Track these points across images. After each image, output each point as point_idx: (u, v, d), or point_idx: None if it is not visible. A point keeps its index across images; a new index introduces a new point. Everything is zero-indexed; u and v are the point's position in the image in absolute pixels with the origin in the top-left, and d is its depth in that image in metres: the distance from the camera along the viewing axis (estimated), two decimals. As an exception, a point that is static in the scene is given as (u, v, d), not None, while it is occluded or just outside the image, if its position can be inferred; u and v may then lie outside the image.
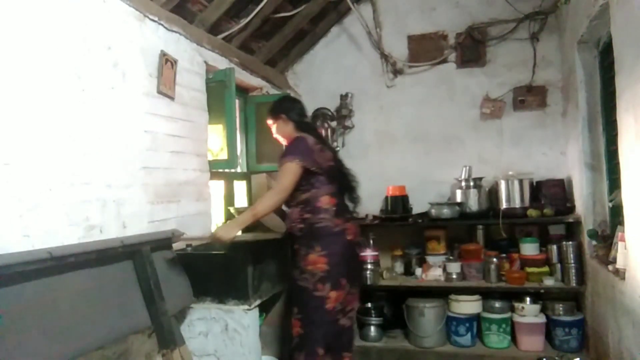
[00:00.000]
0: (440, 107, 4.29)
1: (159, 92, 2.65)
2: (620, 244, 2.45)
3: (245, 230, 2.52)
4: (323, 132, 4.40)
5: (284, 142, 2.78)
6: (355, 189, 2.77)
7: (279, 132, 2.78)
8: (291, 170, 2.47)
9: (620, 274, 2.43)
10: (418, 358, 3.63)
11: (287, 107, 2.78)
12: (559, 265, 3.60)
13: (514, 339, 3.61)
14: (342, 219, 2.58)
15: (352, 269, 2.62)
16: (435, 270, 3.85)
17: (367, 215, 4.16)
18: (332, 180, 2.59)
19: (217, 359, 2.50)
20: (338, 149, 4.44)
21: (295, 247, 2.60)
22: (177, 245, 2.55)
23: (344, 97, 4.44)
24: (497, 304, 3.64)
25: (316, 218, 2.53)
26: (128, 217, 2.36)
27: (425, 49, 4.33)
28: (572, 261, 3.48)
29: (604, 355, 2.85)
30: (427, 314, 3.65)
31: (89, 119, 2.15)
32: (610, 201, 2.96)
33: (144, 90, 2.54)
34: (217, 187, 3.55)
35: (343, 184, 2.68)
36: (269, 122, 2.82)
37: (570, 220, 3.57)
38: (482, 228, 3.95)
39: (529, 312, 3.53)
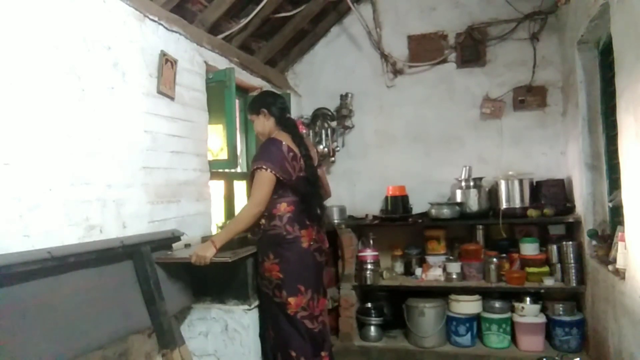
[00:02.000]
0: (440, 107, 4.29)
1: (159, 92, 2.65)
2: (620, 244, 2.45)
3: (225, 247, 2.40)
4: (328, 132, 4.40)
5: (263, 139, 2.63)
6: (321, 201, 2.65)
7: (259, 127, 2.62)
8: (266, 180, 2.38)
9: (620, 274, 2.43)
10: (418, 358, 3.63)
11: (268, 101, 2.62)
12: (559, 265, 3.60)
13: (514, 339, 3.61)
14: (296, 226, 2.46)
15: (312, 276, 2.52)
16: (435, 270, 3.85)
17: (367, 215, 4.17)
18: (296, 191, 2.49)
19: (217, 359, 2.50)
20: (338, 149, 4.45)
21: (256, 254, 2.54)
22: (177, 245, 2.55)
23: (344, 97, 4.45)
24: (497, 304, 3.63)
25: (270, 225, 2.45)
26: (128, 217, 2.36)
27: (425, 49, 4.33)
28: (572, 261, 3.47)
29: (604, 355, 2.85)
30: (427, 314, 3.66)
31: (89, 119, 2.15)
32: (610, 201, 2.96)
33: (144, 90, 2.54)
34: (217, 187, 3.55)
35: (309, 194, 2.53)
36: (250, 117, 2.66)
37: (570, 220, 3.57)
38: (482, 228, 3.95)
39: (529, 312, 3.53)
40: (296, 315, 2.43)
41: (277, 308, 2.45)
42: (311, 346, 2.47)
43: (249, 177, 2.52)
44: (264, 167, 2.38)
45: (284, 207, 2.46)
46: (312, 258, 2.53)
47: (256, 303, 2.53)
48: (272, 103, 2.60)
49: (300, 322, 2.45)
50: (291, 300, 2.42)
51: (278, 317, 2.46)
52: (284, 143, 2.47)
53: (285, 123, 2.60)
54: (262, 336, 2.59)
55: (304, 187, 2.50)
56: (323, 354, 2.53)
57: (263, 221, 2.46)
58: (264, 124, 2.60)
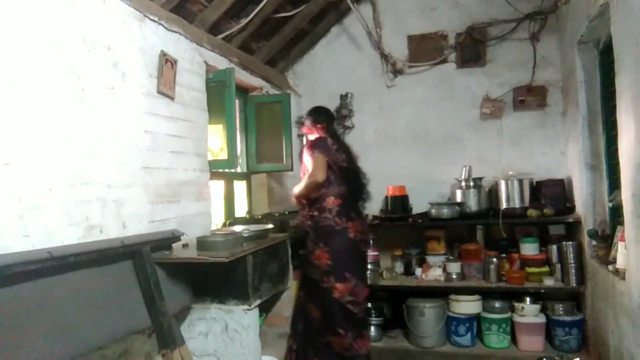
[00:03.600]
0: (440, 107, 4.29)
1: (159, 92, 2.65)
2: (620, 244, 2.45)
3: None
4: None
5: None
6: (365, 187, 3.05)
7: (310, 133, 3.16)
8: (320, 160, 2.84)
9: (620, 274, 2.43)
10: (418, 358, 3.63)
11: (323, 119, 3.14)
12: (559, 265, 3.60)
13: (514, 339, 3.61)
14: (344, 218, 2.82)
15: (357, 265, 2.87)
16: (435, 270, 3.86)
17: (367, 215, 4.16)
18: (341, 182, 2.89)
19: (217, 359, 2.50)
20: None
21: (307, 243, 2.91)
22: (176, 246, 2.55)
23: (344, 97, 4.45)
24: (497, 304, 3.63)
25: (321, 217, 2.84)
26: (128, 217, 2.36)
27: (425, 49, 4.33)
28: (572, 261, 3.48)
29: (604, 355, 2.85)
30: (427, 314, 3.66)
31: (89, 119, 2.15)
32: (610, 201, 2.96)
33: (144, 90, 2.54)
34: (217, 187, 3.55)
35: (353, 183, 2.95)
36: (305, 129, 3.22)
37: (570, 220, 3.57)
38: (482, 228, 3.95)
39: (529, 312, 3.53)
40: (341, 299, 2.77)
41: (325, 293, 2.79)
42: (354, 327, 2.80)
43: (301, 167, 3.07)
44: (319, 152, 2.86)
45: (332, 201, 2.84)
46: (357, 248, 2.88)
47: (256, 303, 2.53)
48: (325, 119, 3.14)
49: (345, 305, 2.78)
50: (338, 285, 2.78)
51: (325, 300, 2.80)
52: (328, 139, 2.97)
53: (332, 131, 3.13)
54: (295, 327, 2.93)
55: (348, 177, 2.91)
56: (365, 332, 2.89)
57: (315, 213, 2.87)
58: (315, 132, 3.12)
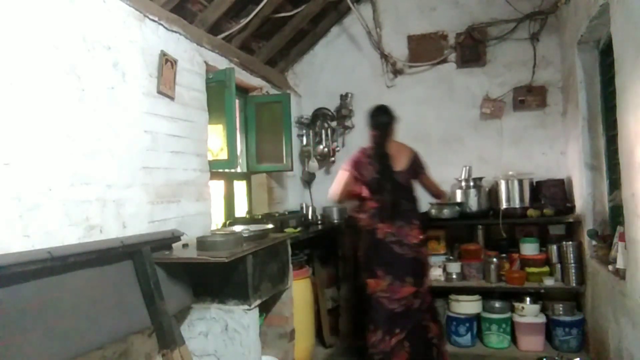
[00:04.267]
0: (440, 107, 4.29)
1: (159, 92, 2.65)
2: (620, 244, 2.45)
3: None
4: (328, 132, 4.44)
5: None
6: (399, 196, 3.04)
7: None
8: (340, 177, 3.12)
9: (620, 274, 2.43)
10: (418, 358, 3.63)
11: (372, 123, 3.28)
12: (559, 265, 3.60)
13: (514, 339, 3.62)
14: (376, 220, 2.98)
15: (391, 264, 2.93)
16: (435, 270, 3.85)
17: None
18: (375, 190, 3.03)
19: (217, 359, 2.50)
20: (338, 149, 4.45)
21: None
22: (176, 246, 2.55)
23: (344, 97, 4.45)
24: (497, 304, 3.64)
25: (359, 217, 3.08)
26: (128, 217, 2.36)
27: (425, 49, 4.33)
28: (572, 261, 3.48)
29: (604, 355, 2.85)
30: (427, 314, 3.65)
31: (89, 119, 2.15)
32: (610, 201, 2.96)
33: (144, 90, 2.54)
34: (217, 187, 3.55)
35: (387, 193, 3.01)
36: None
37: (570, 220, 3.57)
38: (482, 228, 3.95)
39: (529, 312, 3.53)
40: (374, 295, 2.92)
41: (363, 287, 3.01)
42: (386, 322, 2.89)
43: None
44: (343, 167, 3.14)
45: (369, 204, 3.02)
46: (389, 249, 2.96)
47: (256, 303, 2.53)
48: (369, 119, 3.27)
49: (379, 301, 2.92)
50: (370, 281, 2.95)
51: (363, 295, 3.00)
52: (363, 150, 3.18)
53: (378, 138, 3.19)
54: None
55: (379, 187, 3.01)
56: (397, 330, 2.88)
57: (355, 214, 3.15)
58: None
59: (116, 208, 2.28)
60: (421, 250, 3.05)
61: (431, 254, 4.00)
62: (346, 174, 3.08)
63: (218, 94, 3.19)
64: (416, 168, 3.16)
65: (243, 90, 3.93)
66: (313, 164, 4.49)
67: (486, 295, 3.70)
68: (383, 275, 2.92)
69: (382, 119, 3.25)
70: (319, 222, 4.12)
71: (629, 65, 2.12)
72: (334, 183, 3.12)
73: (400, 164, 3.09)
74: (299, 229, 3.51)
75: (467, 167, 3.94)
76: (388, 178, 3.03)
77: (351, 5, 4.12)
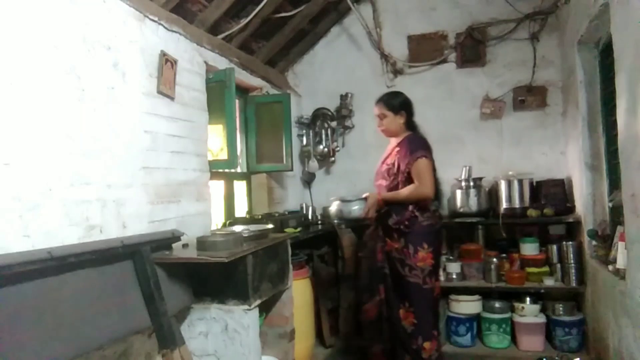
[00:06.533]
0: (440, 107, 4.29)
1: (159, 92, 2.65)
2: (620, 244, 2.45)
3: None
4: (328, 132, 4.43)
5: (387, 135, 2.94)
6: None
7: (392, 125, 2.88)
8: (429, 167, 2.72)
9: (620, 274, 2.43)
10: (418, 358, 3.63)
11: (408, 105, 2.92)
12: (559, 265, 3.60)
13: (514, 339, 3.62)
14: (438, 216, 2.82)
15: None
16: (435, 270, 3.85)
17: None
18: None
19: (217, 359, 2.50)
20: (338, 149, 4.45)
21: (399, 244, 2.73)
22: (176, 246, 2.55)
23: (344, 97, 4.45)
24: (497, 304, 3.64)
25: (423, 216, 2.72)
26: (128, 217, 2.36)
27: (425, 49, 4.33)
28: (572, 261, 3.48)
29: (604, 355, 2.85)
30: (427, 314, 3.65)
31: (89, 119, 2.15)
32: (610, 201, 2.96)
33: (144, 90, 2.54)
34: (217, 187, 3.55)
35: (438, 189, 2.84)
36: (384, 112, 2.87)
37: (570, 220, 3.57)
38: (482, 228, 3.95)
39: (529, 312, 3.54)
40: (437, 297, 2.79)
41: (426, 294, 2.71)
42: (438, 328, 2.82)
43: (405, 170, 2.74)
44: (426, 155, 2.73)
45: (430, 200, 2.75)
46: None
47: (256, 303, 2.53)
48: (410, 107, 2.92)
49: (438, 303, 2.83)
50: (437, 283, 2.80)
51: (424, 303, 2.72)
52: (422, 136, 2.89)
53: (412, 127, 2.93)
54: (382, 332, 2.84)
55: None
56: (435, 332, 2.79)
57: (417, 213, 2.72)
58: (397, 122, 2.87)
59: (116, 208, 2.28)
60: None
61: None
62: (431, 163, 2.76)
63: (218, 94, 3.19)
64: None
65: (243, 90, 3.93)
66: (313, 164, 4.49)
67: (486, 295, 3.71)
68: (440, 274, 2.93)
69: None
70: (319, 222, 4.12)
71: (629, 65, 2.12)
72: (429, 179, 2.68)
73: None
74: (299, 229, 3.51)
75: (467, 167, 3.94)
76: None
77: (351, 5, 4.13)
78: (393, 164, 2.82)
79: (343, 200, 2.91)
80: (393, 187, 2.81)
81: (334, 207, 2.94)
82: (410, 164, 2.72)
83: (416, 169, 2.70)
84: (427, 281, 2.70)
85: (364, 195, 2.85)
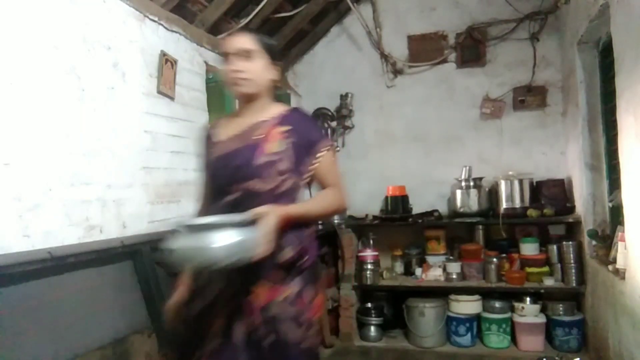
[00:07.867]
0: (440, 107, 4.28)
1: (159, 92, 2.65)
2: (620, 244, 2.45)
3: None
4: (328, 132, 4.42)
5: (245, 91, 1.59)
6: None
7: (259, 75, 1.59)
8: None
9: (620, 274, 2.43)
10: (418, 358, 3.62)
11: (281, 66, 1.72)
12: (559, 265, 3.59)
13: (514, 339, 3.61)
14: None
15: None
16: (435, 270, 3.85)
17: (367, 215, 4.16)
18: None
19: (217, 359, 2.49)
20: (338, 149, 4.45)
21: (291, 291, 1.54)
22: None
23: (344, 97, 4.44)
24: (497, 304, 3.63)
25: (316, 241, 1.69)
26: (128, 217, 2.36)
27: (425, 49, 4.32)
28: (572, 261, 3.47)
29: (604, 355, 2.85)
30: (427, 314, 3.65)
31: (89, 119, 2.15)
32: (610, 201, 2.96)
33: (144, 90, 2.54)
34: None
35: None
36: (255, 50, 1.56)
37: (570, 220, 3.57)
38: (482, 228, 3.95)
39: (529, 312, 3.53)
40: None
41: None
42: None
43: (309, 169, 1.69)
44: (333, 144, 1.80)
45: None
46: None
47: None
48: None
49: None
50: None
51: None
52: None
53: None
54: None
55: None
56: None
57: (314, 237, 1.72)
58: (268, 77, 1.62)
59: (116, 208, 2.28)
60: None
61: (431, 254, 4.01)
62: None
63: (218, 94, 3.19)
64: None
65: (243, 90, 3.92)
66: (313, 164, 4.48)
67: (486, 295, 3.70)
68: None
69: None
70: (319, 222, 4.12)
71: (629, 65, 2.12)
72: (339, 176, 1.74)
73: None
74: (299, 229, 3.49)
75: (467, 167, 3.93)
76: None
77: (351, 5, 4.12)
78: (280, 155, 1.59)
79: (201, 228, 1.33)
80: (279, 195, 1.62)
81: (180, 245, 1.32)
82: (316, 158, 1.66)
83: (326, 165, 1.69)
84: (316, 340, 1.65)
85: (250, 215, 1.39)
